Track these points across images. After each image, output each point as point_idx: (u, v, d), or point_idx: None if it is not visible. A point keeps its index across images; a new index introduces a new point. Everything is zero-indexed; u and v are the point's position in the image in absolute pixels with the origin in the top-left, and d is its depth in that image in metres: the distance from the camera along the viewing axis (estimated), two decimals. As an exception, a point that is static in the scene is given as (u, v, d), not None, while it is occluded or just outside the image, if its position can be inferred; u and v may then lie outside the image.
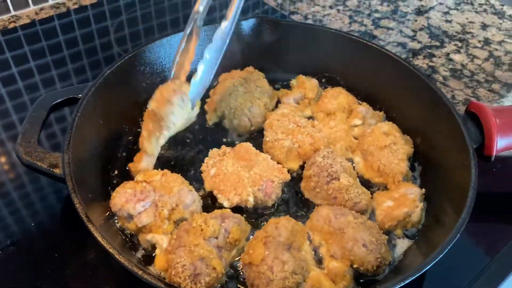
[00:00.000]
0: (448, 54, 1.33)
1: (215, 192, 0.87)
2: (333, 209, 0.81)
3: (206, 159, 0.92)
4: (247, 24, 1.11)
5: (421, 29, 1.43)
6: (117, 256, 0.66)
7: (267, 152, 0.95)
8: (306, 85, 1.07)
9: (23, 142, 0.82)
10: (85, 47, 1.33)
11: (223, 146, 0.94)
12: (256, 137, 1.02)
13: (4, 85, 1.19)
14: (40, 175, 0.82)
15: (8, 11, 1.41)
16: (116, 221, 0.83)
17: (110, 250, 0.66)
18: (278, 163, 0.93)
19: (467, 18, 1.48)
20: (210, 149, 0.94)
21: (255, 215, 0.87)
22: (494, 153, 0.86)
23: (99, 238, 0.67)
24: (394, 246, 0.82)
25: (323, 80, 1.13)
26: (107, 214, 0.83)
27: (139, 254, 0.80)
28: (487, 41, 1.38)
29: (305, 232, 0.80)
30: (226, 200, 0.85)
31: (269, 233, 0.76)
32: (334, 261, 0.76)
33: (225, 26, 0.88)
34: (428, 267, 0.67)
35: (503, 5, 1.54)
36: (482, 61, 1.31)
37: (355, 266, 0.75)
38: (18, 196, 0.93)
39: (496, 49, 1.35)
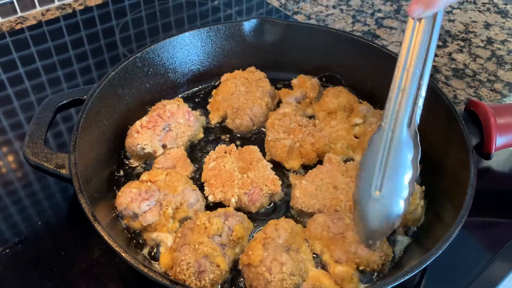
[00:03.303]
0: (450, 53, 1.34)
1: (205, 184, 0.89)
2: (329, 215, 0.81)
3: (211, 152, 0.94)
4: (249, 25, 1.12)
5: (423, 28, 1.43)
6: (123, 254, 0.67)
7: (268, 151, 0.97)
8: (308, 84, 1.08)
9: (30, 143, 0.83)
10: (91, 47, 1.34)
11: (232, 145, 0.95)
12: (258, 137, 1.03)
13: (12, 85, 1.21)
14: (47, 175, 0.84)
15: (15, 12, 1.43)
16: (122, 220, 0.85)
17: (116, 248, 0.68)
18: (279, 162, 0.95)
19: (470, 18, 1.49)
20: (211, 149, 0.96)
21: (257, 216, 0.88)
22: (493, 151, 0.87)
23: (105, 237, 0.69)
24: (395, 243, 0.83)
25: (324, 80, 1.15)
26: (112, 213, 0.84)
27: (144, 252, 0.82)
28: (490, 40, 1.39)
29: (304, 234, 0.81)
30: (212, 194, 0.87)
31: (268, 235, 0.77)
32: (340, 265, 0.76)
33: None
34: (428, 263, 0.68)
35: (506, 4, 1.54)
36: (485, 60, 1.31)
37: (361, 268, 0.76)
38: (25, 195, 0.95)
39: (499, 49, 1.35)
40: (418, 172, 0.75)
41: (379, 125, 0.74)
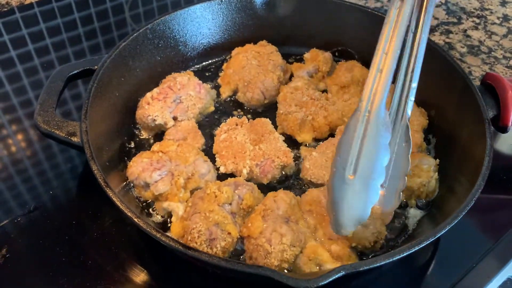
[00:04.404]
0: (465, 30, 1.31)
1: (216, 156, 0.89)
2: (322, 190, 0.79)
3: (222, 124, 0.94)
4: (261, -2, 1.10)
5: (438, 6, 1.41)
6: (135, 219, 0.67)
7: (280, 124, 0.96)
8: (320, 58, 1.06)
9: (41, 112, 0.83)
10: (100, 24, 1.33)
11: (244, 117, 0.95)
12: (270, 111, 1.02)
13: (21, 62, 1.20)
14: (59, 143, 0.83)
15: (24, -12, 1.42)
16: (133, 191, 0.84)
17: (129, 213, 0.67)
18: (291, 135, 0.93)
19: (485, -6, 1.46)
20: (224, 121, 0.95)
21: (268, 188, 0.87)
22: (510, 124, 0.86)
23: (117, 202, 0.69)
24: (408, 217, 0.83)
25: (336, 54, 1.13)
26: (123, 184, 0.84)
27: (155, 222, 0.81)
28: (506, 18, 1.36)
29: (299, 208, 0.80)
30: (223, 165, 0.87)
31: (268, 207, 0.76)
32: (334, 243, 0.74)
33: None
34: (444, 231, 0.67)
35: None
36: (501, 37, 1.28)
37: (353, 245, 0.74)
38: (37, 170, 0.95)
39: (515, 25, 1.33)
40: (409, 167, 0.73)
41: (356, 108, 0.71)
